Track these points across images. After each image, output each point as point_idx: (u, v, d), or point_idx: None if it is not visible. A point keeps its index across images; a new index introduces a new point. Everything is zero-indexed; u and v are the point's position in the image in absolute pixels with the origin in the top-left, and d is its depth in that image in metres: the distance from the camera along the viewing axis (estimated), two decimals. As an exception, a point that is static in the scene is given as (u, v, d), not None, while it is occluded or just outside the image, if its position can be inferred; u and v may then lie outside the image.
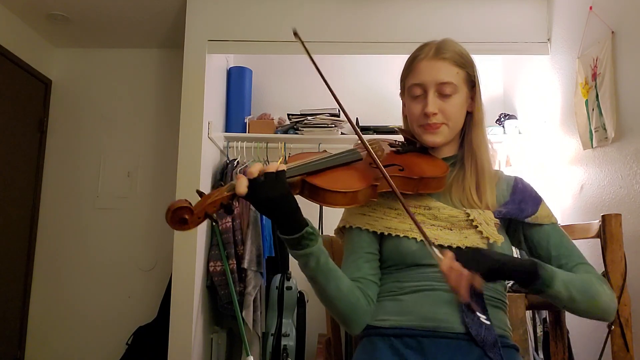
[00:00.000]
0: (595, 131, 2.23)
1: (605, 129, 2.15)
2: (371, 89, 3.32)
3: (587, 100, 2.30)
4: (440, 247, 1.09)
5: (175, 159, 2.75)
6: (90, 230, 3.37)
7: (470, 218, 1.12)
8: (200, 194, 0.97)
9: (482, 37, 2.79)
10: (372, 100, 3.25)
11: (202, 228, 2.77)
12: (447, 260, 0.94)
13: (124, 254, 3.33)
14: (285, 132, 3.17)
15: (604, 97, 2.15)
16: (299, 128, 3.14)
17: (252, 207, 2.88)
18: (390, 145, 1.27)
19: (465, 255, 0.97)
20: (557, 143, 2.64)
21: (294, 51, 2.96)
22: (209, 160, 2.91)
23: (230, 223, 2.85)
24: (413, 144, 1.24)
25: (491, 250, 1.06)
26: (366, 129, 3.14)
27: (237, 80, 3.26)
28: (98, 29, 3.27)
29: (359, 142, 1.17)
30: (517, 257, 1.11)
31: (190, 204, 0.94)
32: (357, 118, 3.23)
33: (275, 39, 2.83)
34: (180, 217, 0.92)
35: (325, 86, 1.13)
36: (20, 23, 3.16)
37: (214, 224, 1.05)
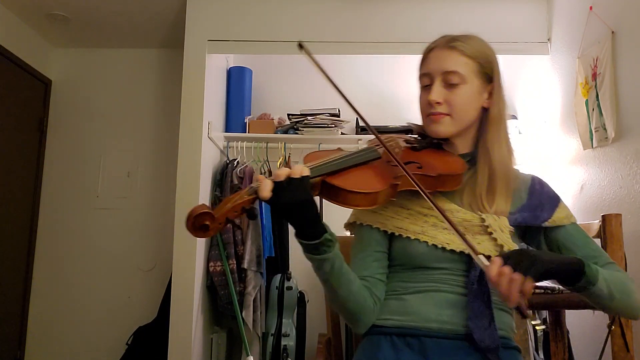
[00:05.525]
0: (595, 131, 2.23)
1: (605, 128, 2.15)
2: (371, 89, 3.32)
3: (587, 100, 2.30)
4: (452, 252, 1.07)
5: (175, 159, 2.75)
6: (90, 230, 3.36)
7: (485, 224, 1.08)
8: (219, 199, 0.93)
9: (482, 37, 2.79)
10: (371, 100, 3.24)
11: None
12: (495, 267, 0.91)
13: (124, 254, 3.33)
14: (285, 132, 3.17)
15: (604, 97, 2.15)
16: (299, 128, 3.14)
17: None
18: (406, 141, 1.21)
19: (514, 259, 0.92)
20: (557, 143, 2.64)
21: (294, 51, 2.95)
22: (208, 160, 2.91)
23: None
24: (428, 139, 1.19)
25: (534, 250, 1.00)
26: (365, 129, 3.14)
27: (237, 80, 3.26)
28: (98, 29, 3.27)
29: (374, 139, 1.13)
30: (563, 255, 1.07)
31: (210, 209, 0.89)
32: (357, 118, 3.23)
33: (275, 39, 2.83)
34: (202, 224, 0.87)
35: (340, 94, 1.12)
36: (20, 23, 3.16)
37: (237, 229, 1.01)
